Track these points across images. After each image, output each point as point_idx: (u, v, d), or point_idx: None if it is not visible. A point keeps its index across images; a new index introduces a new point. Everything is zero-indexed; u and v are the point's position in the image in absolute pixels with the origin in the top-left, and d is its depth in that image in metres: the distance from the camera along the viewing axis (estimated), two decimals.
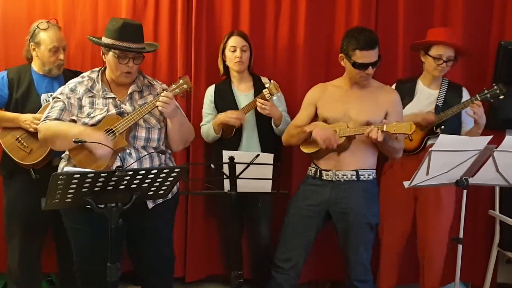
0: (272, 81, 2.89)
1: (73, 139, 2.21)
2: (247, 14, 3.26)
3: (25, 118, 2.73)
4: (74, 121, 2.38)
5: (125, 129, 2.34)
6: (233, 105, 3.02)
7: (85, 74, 2.51)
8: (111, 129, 2.34)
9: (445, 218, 2.98)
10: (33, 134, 2.73)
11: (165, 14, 3.26)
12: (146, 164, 2.42)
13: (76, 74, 2.98)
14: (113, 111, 2.39)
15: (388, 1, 3.26)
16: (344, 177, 2.62)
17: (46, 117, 2.41)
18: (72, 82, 2.47)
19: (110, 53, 2.38)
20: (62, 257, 3.11)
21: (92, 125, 2.36)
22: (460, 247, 2.61)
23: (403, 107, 2.92)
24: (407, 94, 2.99)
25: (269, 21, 3.29)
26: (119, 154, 2.34)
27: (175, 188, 2.53)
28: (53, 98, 2.46)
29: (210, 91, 3.12)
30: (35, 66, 2.87)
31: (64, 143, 2.34)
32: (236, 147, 2.98)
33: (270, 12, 3.28)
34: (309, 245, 2.74)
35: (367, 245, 2.67)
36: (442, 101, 2.95)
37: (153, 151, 2.44)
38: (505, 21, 3.22)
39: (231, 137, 3.01)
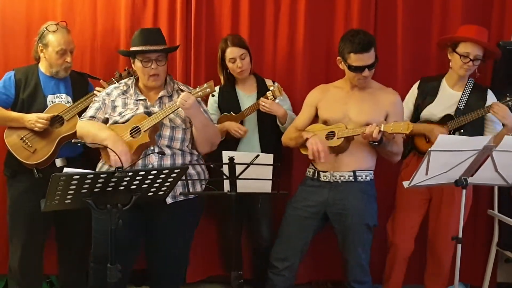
0: (276, 83, 2.90)
1: (72, 140, 2.39)
2: (247, 15, 3.26)
3: (30, 118, 2.74)
4: (107, 119, 2.61)
5: (149, 127, 2.49)
6: (236, 106, 3.04)
7: (123, 81, 2.75)
8: (137, 126, 2.53)
9: (455, 220, 2.93)
10: (38, 134, 2.77)
11: (164, 15, 3.25)
12: (167, 162, 2.54)
13: (82, 76, 3.02)
14: (142, 111, 2.57)
15: (387, 2, 3.26)
16: (342, 178, 2.63)
17: (84, 115, 2.66)
18: (109, 88, 2.73)
19: (136, 60, 2.59)
20: (63, 259, 3.11)
21: (122, 122, 2.57)
22: (459, 246, 2.61)
23: (424, 107, 2.90)
24: (429, 94, 2.93)
25: (269, 23, 3.29)
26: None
27: (198, 189, 2.65)
28: (93, 100, 2.73)
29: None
30: (42, 67, 2.89)
31: (91, 141, 2.52)
32: (236, 148, 2.99)
33: (270, 14, 3.28)
34: (305, 246, 2.74)
35: (365, 246, 2.67)
36: (464, 104, 2.86)
37: (177, 151, 2.57)
38: (504, 22, 3.22)
39: (231, 137, 3.01)
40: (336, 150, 2.59)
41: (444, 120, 2.88)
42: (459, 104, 2.88)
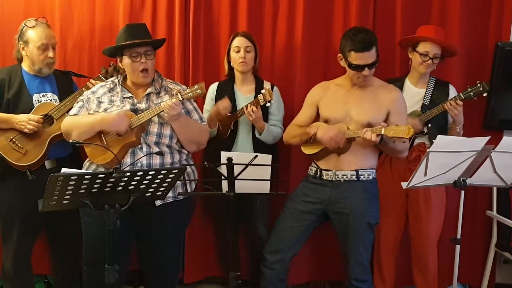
0: (268, 87, 2.88)
1: (70, 141, 2.34)
2: (245, 14, 3.25)
3: (20, 119, 2.69)
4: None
5: (136, 125, 2.45)
6: (232, 106, 3.02)
7: (109, 79, 2.70)
8: None
9: (435, 216, 2.99)
10: (27, 135, 2.71)
11: (163, 14, 3.25)
12: (157, 160, 2.50)
13: (66, 74, 2.98)
14: (128, 108, 2.52)
15: (386, 0, 3.26)
16: (344, 177, 2.62)
17: (68, 115, 2.63)
18: (96, 86, 2.68)
19: (124, 57, 2.53)
20: (56, 261, 3.10)
21: None
22: (458, 247, 2.61)
23: None
24: None
25: (267, 21, 3.28)
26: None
27: (188, 189, 2.61)
28: (77, 100, 2.66)
29: (213, 88, 3.13)
30: (25, 66, 2.84)
31: (79, 132, 2.48)
32: (230, 148, 2.99)
33: (268, 12, 3.27)
34: (300, 241, 2.73)
35: (366, 245, 2.67)
36: (428, 100, 2.98)
37: (166, 149, 2.53)
38: (502, 22, 3.22)
39: (226, 137, 3.01)
40: (338, 151, 2.59)
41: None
42: (424, 100, 2.99)
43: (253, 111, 2.85)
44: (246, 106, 2.89)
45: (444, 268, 3.13)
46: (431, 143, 2.94)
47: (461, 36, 3.20)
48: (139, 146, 2.49)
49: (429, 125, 2.94)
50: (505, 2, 3.21)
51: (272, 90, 2.95)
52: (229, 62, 3.06)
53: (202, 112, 3.15)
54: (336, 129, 2.55)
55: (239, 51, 2.97)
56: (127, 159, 2.47)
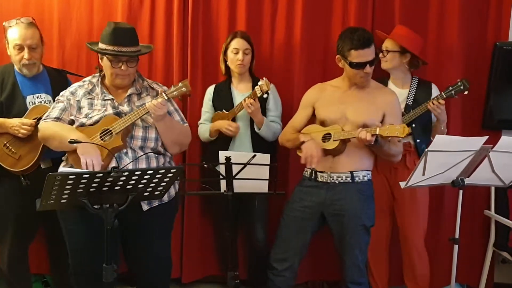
0: (265, 78, 2.87)
1: (69, 140, 2.25)
2: (244, 14, 3.25)
3: (13, 124, 2.65)
4: (73, 121, 2.45)
5: (121, 129, 2.36)
6: (229, 104, 3.03)
7: (86, 78, 2.56)
8: (108, 129, 2.38)
9: (421, 216, 3.02)
10: (21, 139, 2.67)
11: (161, 14, 3.24)
12: (143, 165, 2.42)
13: (60, 73, 2.93)
14: (110, 111, 2.41)
15: (385, 1, 3.26)
16: (339, 178, 2.61)
17: (47, 116, 2.47)
18: (73, 86, 2.54)
19: (105, 58, 2.42)
20: (54, 260, 3.10)
21: (90, 125, 2.41)
22: (456, 247, 2.61)
23: None
24: None
25: (266, 21, 3.28)
26: (115, 154, 2.35)
27: (172, 191, 2.54)
28: (55, 100, 2.54)
29: (210, 90, 3.14)
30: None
31: (60, 145, 2.39)
32: (228, 146, 2.99)
33: (267, 12, 3.27)
34: (304, 247, 2.73)
35: (362, 247, 2.66)
36: (412, 100, 3.00)
37: (150, 151, 2.45)
38: (501, 22, 3.22)
39: (223, 136, 3.00)
40: (333, 153, 2.58)
41: None
42: (407, 101, 3.01)
43: (251, 104, 2.85)
44: (244, 100, 2.89)
45: (442, 268, 3.13)
46: (415, 142, 2.99)
47: (459, 36, 3.20)
48: (124, 151, 2.40)
49: (413, 125, 2.95)
50: (503, 2, 3.22)
51: None
52: (225, 60, 3.06)
53: (201, 114, 3.16)
54: (316, 150, 2.52)
55: (237, 52, 2.97)
56: (112, 164, 2.32)
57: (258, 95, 2.85)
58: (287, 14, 3.26)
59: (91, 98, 2.48)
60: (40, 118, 2.67)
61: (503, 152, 2.44)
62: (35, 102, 2.77)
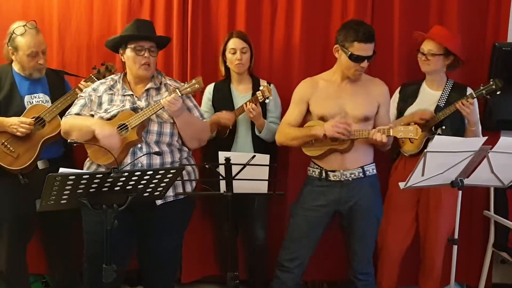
0: (266, 84, 2.89)
1: (68, 141, 2.34)
2: (243, 13, 3.25)
3: (12, 122, 2.66)
4: (92, 116, 2.55)
5: (137, 124, 2.45)
6: (230, 105, 3.03)
7: (109, 77, 2.69)
8: (124, 124, 2.48)
9: (445, 221, 2.95)
10: (19, 138, 2.69)
11: (161, 14, 3.24)
12: (156, 160, 2.50)
13: (58, 74, 2.95)
14: (128, 107, 2.51)
15: (384, 0, 3.26)
16: (352, 175, 2.63)
17: (68, 113, 2.60)
18: (96, 83, 2.66)
19: (128, 50, 2.51)
20: (54, 260, 3.10)
21: (108, 119, 2.51)
22: (455, 247, 2.61)
23: (406, 108, 2.99)
24: (410, 96, 3.03)
25: (265, 20, 3.28)
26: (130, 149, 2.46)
27: (189, 189, 2.63)
28: (78, 97, 2.65)
29: (209, 89, 3.13)
30: (16, 67, 2.81)
31: (80, 133, 2.48)
32: (229, 148, 2.99)
33: (266, 11, 3.28)
34: (315, 244, 2.76)
35: (373, 238, 2.73)
36: (444, 101, 2.94)
37: (166, 148, 2.53)
38: (500, 22, 3.23)
39: (225, 137, 3.01)
40: (342, 151, 2.60)
41: None
42: (439, 102, 2.95)
43: (253, 109, 2.86)
44: (246, 104, 2.90)
45: (442, 268, 3.13)
46: None
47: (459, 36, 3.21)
48: (139, 146, 2.48)
49: (443, 127, 2.86)
50: (502, 3, 3.22)
51: None
52: (224, 62, 3.06)
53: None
54: (341, 120, 2.52)
55: (235, 52, 2.97)
56: (128, 159, 2.47)
57: (260, 100, 2.86)
58: (287, 14, 3.26)
59: (111, 94, 2.57)
60: (39, 117, 2.72)
61: (502, 152, 2.45)
62: (32, 102, 2.78)
